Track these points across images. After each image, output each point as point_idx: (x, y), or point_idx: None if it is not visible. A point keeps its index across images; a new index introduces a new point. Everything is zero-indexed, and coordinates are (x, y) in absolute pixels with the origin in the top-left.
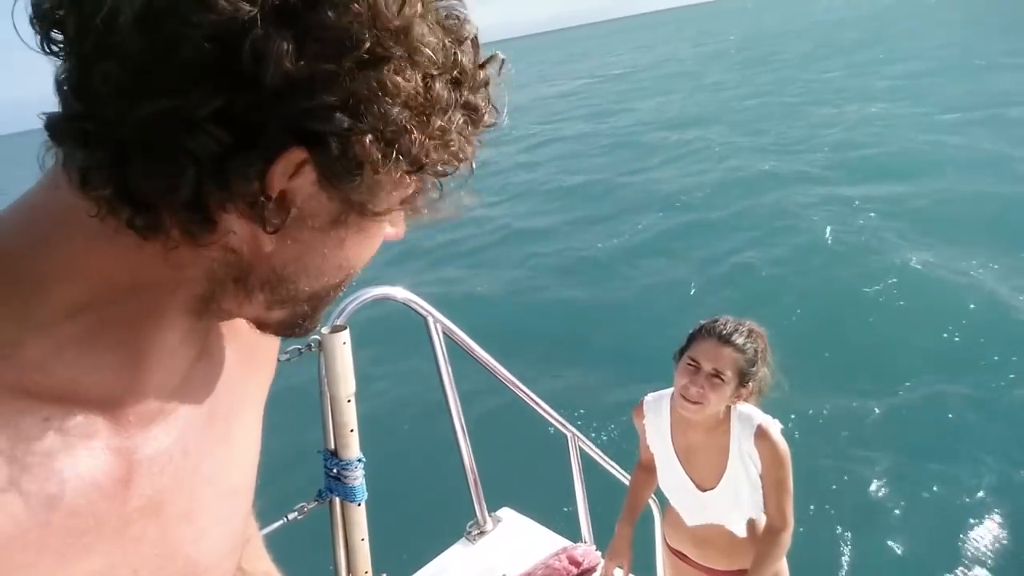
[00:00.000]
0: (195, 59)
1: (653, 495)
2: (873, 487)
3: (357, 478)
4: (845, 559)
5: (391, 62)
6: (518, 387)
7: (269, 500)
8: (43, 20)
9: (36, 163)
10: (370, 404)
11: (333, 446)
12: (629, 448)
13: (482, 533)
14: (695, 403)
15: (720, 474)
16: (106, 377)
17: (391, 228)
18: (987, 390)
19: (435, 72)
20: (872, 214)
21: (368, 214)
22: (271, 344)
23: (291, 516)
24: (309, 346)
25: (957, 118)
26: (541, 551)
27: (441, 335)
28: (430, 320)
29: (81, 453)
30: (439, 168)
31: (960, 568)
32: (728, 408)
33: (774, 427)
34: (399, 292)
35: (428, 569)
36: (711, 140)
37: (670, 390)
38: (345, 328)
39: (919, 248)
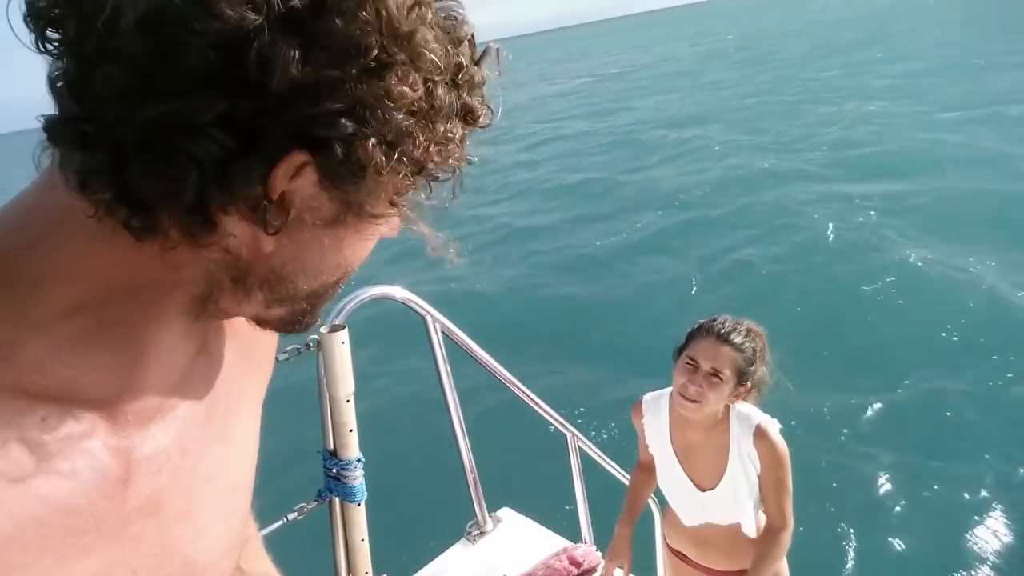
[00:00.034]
0: (199, 65)
1: (653, 495)
2: (873, 486)
3: (357, 478)
4: (846, 559)
5: (396, 68)
6: (517, 387)
7: (268, 500)
8: (38, 19)
9: (33, 163)
10: (369, 404)
11: (332, 446)
12: (629, 447)
13: (482, 533)
14: (693, 402)
15: (720, 474)
16: (104, 377)
17: (386, 228)
18: (987, 387)
19: (437, 77)
20: (872, 212)
21: (366, 215)
22: (269, 342)
23: (291, 516)
24: (308, 346)
25: (957, 116)
26: (541, 551)
27: (440, 334)
28: (429, 319)
29: (79, 453)
30: (439, 170)
31: (961, 567)
32: (727, 407)
33: (773, 427)
34: (398, 291)
35: (428, 569)
36: (710, 139)
37: (669, 389)
38: (344, 328)
39: (919, 245)
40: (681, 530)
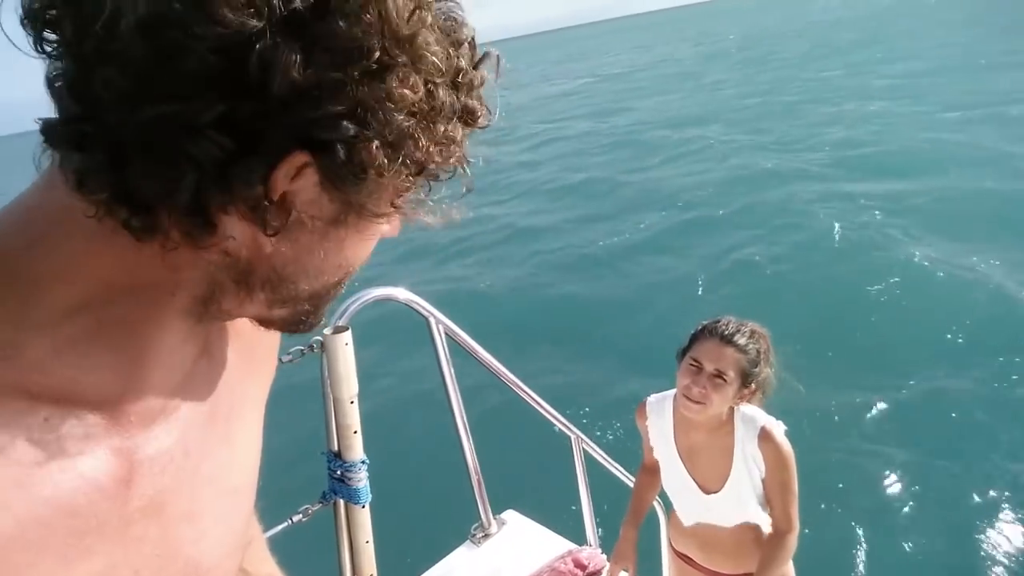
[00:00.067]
0: (200, 69)
1: (658, 497)
2: (880, 486)
3: (361, 480)
4: (852, 561)
5: (397, 70)
6: (521, 388)
7: (273, 502)
8: (35, 20)
9: (32, 165)
10: (373, 405)
11: (336, 448)
12: (634, 449)
13: (486, 536)
14: (697, 403)
15: (724, 477)
16: (106, 377)
17: (387, 227)
18: (993, 387)
19: (438, 79)
20: (875, 211)
21: (367, 215)
22: (272, 343)
23: (295, 518)
24: (311, 347)
25: (958, 116)
26: (546, 554)
27: (443, 336)
28: (432, 321)
29: (82, 453)
30: (441, 171)
31: (969, 569)
32: (731, 409)
33: (778, 429)
34: (401, 293)
35: (432, 572)
36: (712, 139)
37: (672, 391)
38: (347, 329)
39: (923, 245)
40: (686, 533)
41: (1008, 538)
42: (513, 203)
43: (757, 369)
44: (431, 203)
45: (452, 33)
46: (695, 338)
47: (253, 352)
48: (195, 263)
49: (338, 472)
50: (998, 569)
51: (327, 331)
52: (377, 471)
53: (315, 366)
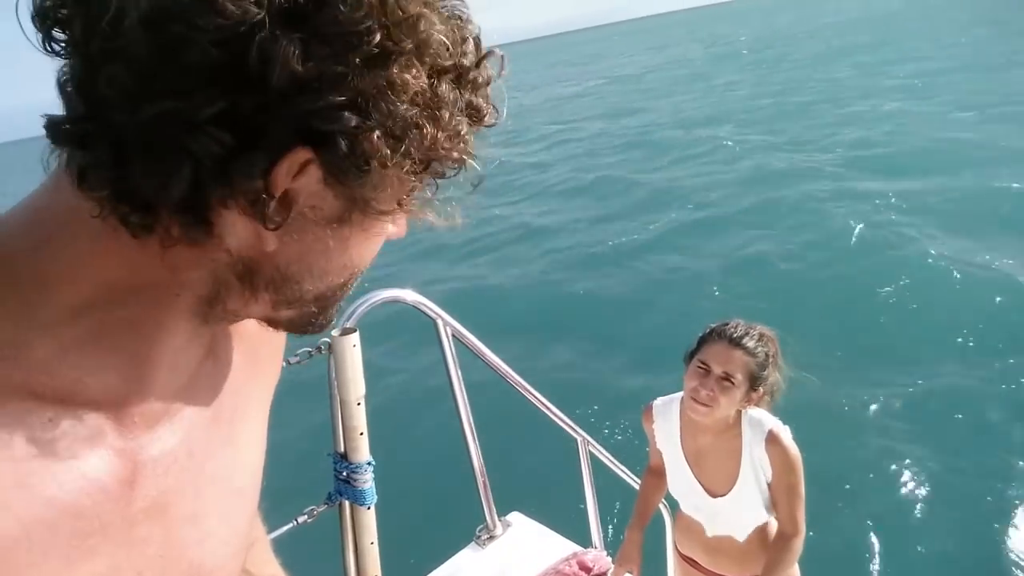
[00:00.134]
0: (202, 63)
1: (664, 500)
2: (890, 487)
3: (367, 481)
4: (859, 563)
5: (399, 57)
6: (528, 390)
7: (278, 503)
8: (45, 19)
9: (32, 172)
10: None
11: (343, 449)
12: (640, 452)
13: (492, 538)
14: (705, 406)
15: (731, 480)
16: (110, 378)
17: (393, 227)
18: (1010, 386)
19: (441, 68)
20: (890, 211)
21: (372, 212)
22: (278, 345)
23: (300, 519)
24: (319, 348)
25: (972, 116)
26: (551, 556)
27: (451, 338)
28: (440, 323)
29: (86, 454)
30: (445, 165)
31: (980, 572)
32: (738, 413)
33: (785, 432)
34: (409, 295)
35: (437, 574)
36: (724, 139)
37: (679, 394)
38: (355, 331)
39: (938, 243)
40: (692, 536)
41: (1022, 540)
42: (525, 204)
43: (765, 372)
44: (438, 202)
45: (457, 29)
46: (703, 340)
47: (258, 354)
48: (198, 262)
49: (344, 473)
50: (1012, 572)
51: (335, 333)
52: (383, 472)
53: (322, 366)
